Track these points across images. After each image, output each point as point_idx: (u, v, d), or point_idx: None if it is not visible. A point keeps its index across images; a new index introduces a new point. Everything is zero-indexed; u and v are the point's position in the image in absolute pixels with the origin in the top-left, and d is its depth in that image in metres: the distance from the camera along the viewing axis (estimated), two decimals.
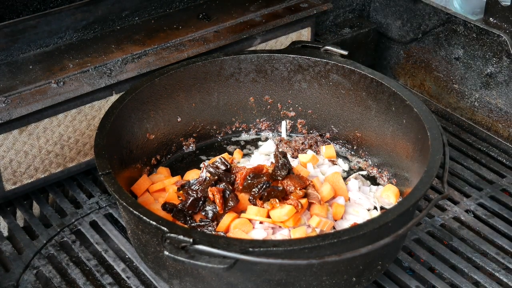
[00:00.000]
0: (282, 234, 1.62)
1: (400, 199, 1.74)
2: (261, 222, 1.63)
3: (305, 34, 2.23)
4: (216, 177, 1.66)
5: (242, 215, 1.64)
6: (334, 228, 1.67)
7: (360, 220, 1.67)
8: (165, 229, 1.35)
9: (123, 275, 1.67)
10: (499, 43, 2.09)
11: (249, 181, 1.64)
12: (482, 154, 2.12)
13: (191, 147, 1.97)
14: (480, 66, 2.18)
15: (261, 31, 2.11)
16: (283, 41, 2.18)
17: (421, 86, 2.41)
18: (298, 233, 1.60)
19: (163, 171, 1.86)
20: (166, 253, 1.30)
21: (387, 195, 1.78)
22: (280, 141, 1.98)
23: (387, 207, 1.75)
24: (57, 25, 1.94)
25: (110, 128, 1.64)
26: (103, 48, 1.97)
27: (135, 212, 1.41)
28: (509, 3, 2.21)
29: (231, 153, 1.94)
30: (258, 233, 1.61)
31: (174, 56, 1.96)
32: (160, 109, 1.86)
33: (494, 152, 2.13)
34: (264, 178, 1.65)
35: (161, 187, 1.78)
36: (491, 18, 2.13)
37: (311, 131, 2.01)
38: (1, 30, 1.85)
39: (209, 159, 1.93)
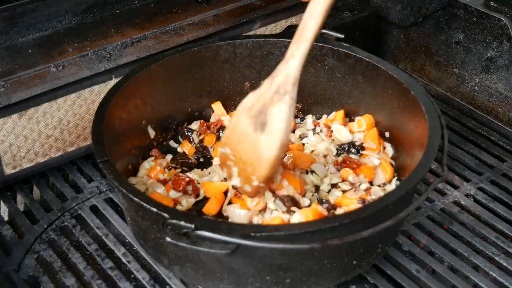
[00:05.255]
0: None
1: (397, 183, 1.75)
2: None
3: None
4: None
5: None
6: None
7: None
8: (166, 215, 1.35)
9: (124, 260, 1.68)
10: (499, 27, 2.09)
11: None
12: (482, 139, 2.12)
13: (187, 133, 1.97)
14: (481, 50, 2.17)
15: (260, 15, 2.10)
16: (283, 25, 2.17)
17: (421, 71, 2.41)
18: None
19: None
20: (168, 239, 1.31)
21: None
22: None
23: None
24: (56, 8, 1.93)
25: (107, 115, 1.63)
26: (103, 32, 1.96)
27: (135, 199, 1.41)
28: None
29: None
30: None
31: (173, 40, 1.95)
32: (156, 95, 1.85)
33: (495, 136, 2.13)
34: None
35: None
36: (491, 2, 2.12)
37: (306, 116, 2.01)
38: (0, 13, 1.84)
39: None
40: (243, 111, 1.57)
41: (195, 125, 1.94)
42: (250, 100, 1.56)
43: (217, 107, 1.98)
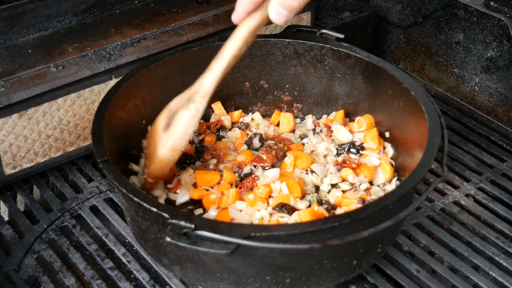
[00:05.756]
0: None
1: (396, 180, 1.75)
2: None
3: (305, 18, 2.22)
4: None
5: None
6: None
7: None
8: (166, 215, 1.35)
9: (124, 260, 1.68)
10: (499, 27, 2.09)
11: None
12: (483, 139, 2.12)
13: None
14: (481, 50, 2.17)
15: None
16: (283, 25, 2.17)
17: (421, 71, 2.41)
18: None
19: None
20: (168, 239, 1.31)
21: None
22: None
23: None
24: (56, 8, 1.93)
25: (107, 115, 1.63)
26: (103, 32, 1.96)
27: (135, 199, 1.41)
28: None
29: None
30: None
31: (173, 40, 1.95)
32: (156, 95, 1.85)
33: (495, 136, 2.13)
34: None
35: None
36: (491, 2, 2.12)
37: (306, 116, 2.01)
38: (0, 13, 1.84)
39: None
40: (166, 109, 1.64)
41: None
42: (175, 100, 1.63)
43: (217, 107, 1.98)
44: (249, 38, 1.48)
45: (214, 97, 1.97)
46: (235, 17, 1.46)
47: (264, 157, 1.78)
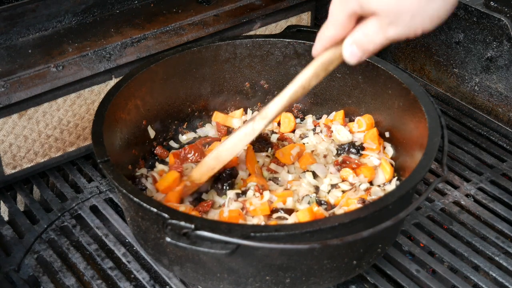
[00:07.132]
0: None
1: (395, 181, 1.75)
2: None
3: (305, 18, 2.22)
4: None
5: None
6: None
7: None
8: (166, 215, 1.35)
9: (124, 260, 1.68)
10: (499, 27, 2.09)
11: None
12: (483, 139, 2.12)
13: (186, 133, 1.96)
14: (481, 50, 2.17)
15: (261, 15, 2.10)
16: (283, 25, 2.17)
17: (421, 71, 2.41)
18: None
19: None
20: (168, 239, 1.31)
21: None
22: None
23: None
24: (56, 8, 1.93)
25: (107, 115, 1.63)
26: (102, 32, 1.96)
27: (135, 199, 1.41)
28: None
29: None
30: None
31: (173, 40, 1.95)
32: (156, 95, 1.85)
33: (495, 136, 2.13)
34: None
35: None
36: (491, 2, 2.12)
37: (306, 116, 2.01)
38: (0, 13, 1.84)
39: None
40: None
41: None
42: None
43: (218, 116, 1.99)
44: (320, 71, 1.49)
45: (214, 97, 1.98)
46: (313, 51, 1.48)
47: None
